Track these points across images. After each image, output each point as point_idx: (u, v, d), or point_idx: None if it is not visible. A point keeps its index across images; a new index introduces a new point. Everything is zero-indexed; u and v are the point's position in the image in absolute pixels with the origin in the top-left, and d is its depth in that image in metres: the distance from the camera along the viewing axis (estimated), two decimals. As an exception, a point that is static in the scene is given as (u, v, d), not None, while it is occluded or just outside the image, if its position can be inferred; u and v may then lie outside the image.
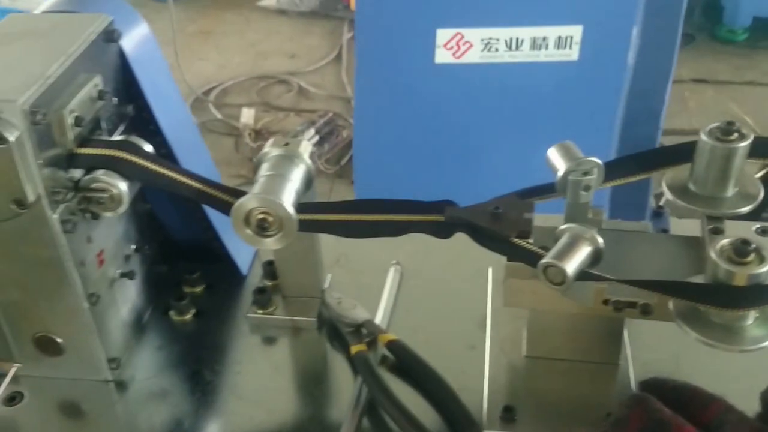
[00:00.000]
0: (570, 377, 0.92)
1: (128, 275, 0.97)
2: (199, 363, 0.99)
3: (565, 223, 0.89)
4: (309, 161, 0.92)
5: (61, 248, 0.84)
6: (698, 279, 0.78)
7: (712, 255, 0.73)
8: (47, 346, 0.92)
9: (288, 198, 0.85)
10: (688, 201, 0.90)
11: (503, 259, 0.89)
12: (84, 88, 0.85)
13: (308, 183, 0.91)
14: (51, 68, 0.80)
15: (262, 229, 0.85)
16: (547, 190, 0.92)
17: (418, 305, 1.05)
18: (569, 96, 2.28)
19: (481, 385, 0.92)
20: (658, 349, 0.95)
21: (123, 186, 0.86)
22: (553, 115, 2.34)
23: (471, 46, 2.25)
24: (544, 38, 2.21)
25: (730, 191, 0.90)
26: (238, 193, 0.88)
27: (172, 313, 1.05)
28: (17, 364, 0.95)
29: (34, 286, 0.87)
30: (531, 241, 0.84)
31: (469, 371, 0.95)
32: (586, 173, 0.88)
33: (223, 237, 1.07)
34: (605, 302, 0.83)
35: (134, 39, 0.97)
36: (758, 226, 1.12)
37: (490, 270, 1.07)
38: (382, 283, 1.08)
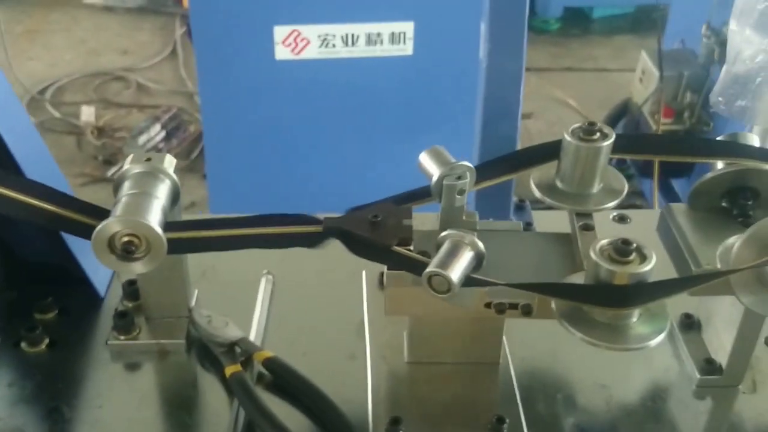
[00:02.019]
0: (454, 380, 0.92)
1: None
2: (56, 398, 0.91)
3: (440, 228, 0.88)
4: (174, 176, 0.86)
5: None
6: (578, 278, 0.79)
7: (592, 255, 0.75)
8: None
9: (155, 218, 0.79)
10: (556, 199, 0.92)
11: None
12: None
13: (175, 199, 0.86)
14: None
15: (128, 252, 0.79)
16: (422, 195, 0.91)
17: (293, 316, 1.02)
18: (407, 89, 2.36)
19: (365, 396, 0.90)
20: (535, 345, 0.97)
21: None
22: (394, 108, 2.41)
23: (309, 42, 2.28)
24: (379, 34, 2.28)
25: (596, 187, 0.92)
26: (99, 213, 0.81)
27: (23, 344, 0.96)
28: None
29: None
30: (411, 247, 0.83)
31: (351, 382, 0.92)
32: (459, 177, 0.88)
33: (77, 256, 0.99)
34: (487, 305, 0.83)
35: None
36: (615, 214, 1.17)
37: (364, 273, 1.05)
38: (253, 296, 1.03)
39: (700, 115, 3.10)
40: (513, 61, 1.66)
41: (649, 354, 0.96)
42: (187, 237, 0.83)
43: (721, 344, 0.93)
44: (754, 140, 0.95)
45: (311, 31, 2.26)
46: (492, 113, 1.73)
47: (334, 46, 2.29)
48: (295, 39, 2.27)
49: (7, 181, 0.80)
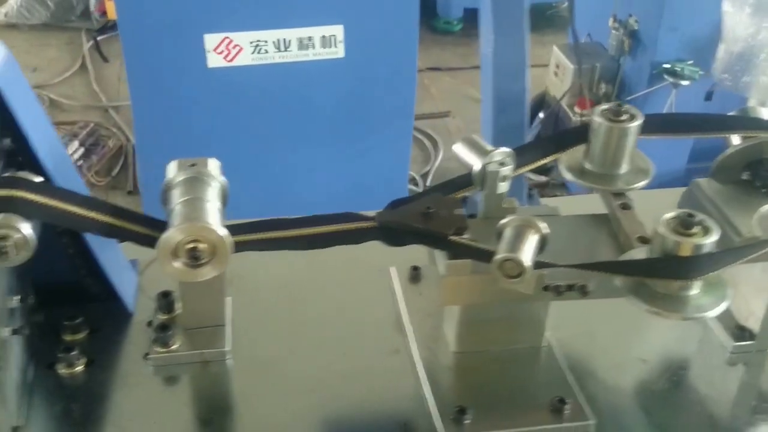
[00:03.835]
0: (504, 366, 0.93)
1: (18, 331, 0.84)
2: (101, 419, 0.88)
3: (483, 215, 0.90)
4: (222, 178, 0.85)
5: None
6: (639, 254, 0.82)
7: (660, 228, 0.77)
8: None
9: (216, 220, 0.78)
10: (588, 180, 0.95)
11: (405, 258, 0.90)
12: None
13: (225, 201, 0.84)
14: None
15: (195, 259, 0.77)
16: (464, 184, 0.92)
17: (324, 318, 1.01)
18: (342, 92, 2.38)
19: (420, 389, 0.90)
20: (569, 327, 0.99)
21: (26, 229, 0.74)
22: (330, 111, 2.42)
23: (241, 49, 2.26)
24: (310, 38, 2.28)
25: (626, 168, 0.95)
26: (155, 224, 0.80)
27: (59, 366, 0.92)
28: None
29: None
30: (467, 236, 0.84)
31: (400, 377, 0.93)
32: (502, 164, 0.89)
33: (108, 272, 0.95)
34: (545, 288, 0.84)
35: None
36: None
37: (393, 270, 1.05)
38: (278, 301, 1.02)
39: (616, 104, 3.22)
40: (516, 52, 1.69)
41: (679, 326, 1.00)
42: (249, 239, 0.81)
43: (750, 311, 0.97)
44: (764, 113, 0.99)
45: (243, 38, 2.24)
46: (502, 104, 1.76)
47: (266, 51, 2.28)
48: (227, 46, 2.25)
49: (65, 197, 0.77)
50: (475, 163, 0.90)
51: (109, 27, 4.47)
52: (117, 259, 1.01)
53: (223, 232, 0.77)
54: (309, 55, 2.31)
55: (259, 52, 2.27)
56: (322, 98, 2.38)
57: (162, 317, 0.97)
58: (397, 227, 0.84)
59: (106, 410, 0.89)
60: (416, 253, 0.93)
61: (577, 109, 3.06)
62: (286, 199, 2.44)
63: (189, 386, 0.93)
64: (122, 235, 0.81)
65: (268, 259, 0.88)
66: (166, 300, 0.97)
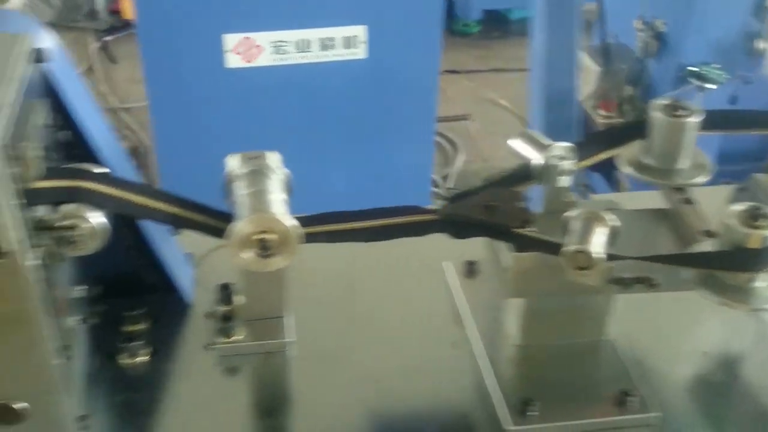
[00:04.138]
0: (567, 359, 0.93)
1: (84, 321, 0.84)
2: (165, 408, 0.88)
3: (545, 209, 0.90)
4: (285, 169, 0.86)
5: (34, 300, 0.71)
6: (707, 247, 0.82)
7: (729, 221, 0.77)
8: (3, 416, 0.77)
9: (283, 211, 0.78)
10: (650, 175, 0.95)
11: (457, 253, 0.91)
12: (33, 116, 0.73)
13: (289, 192, 0.85)
14: (6, 96, 0.67)
15: (264, 249, 0.77)
16: (522, 177, 0.92)
17: (378, 313, 1.01)
18: (363, 92, 2.38)
19: (483, 382, 0.91)
20: (630, 320, 0.99)
21: (98, 218, 0.75)
22: (350, 112, 2.42)
23: (262, 49, 2.26)
24: (332, 39, 2.28)
25: (686, 163, 0.95)
26: (219, 215, 0.80)
27: (122, 357, 0.92)
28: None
29: (-5, 347, 0.73)
30: (534, 229, 0.84)
31: (462, 370, 0.93)
32: (562, 158, 0.89)
33: (165, 263, 0.96)
34: (613, 281, 0.84)
35: (53, 57, 0.83)
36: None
37: (449, 264, 1.06)
38: (335, 293, 1.03)
39: (639, 107, 3.22)
40: (568, 51, 1.70)
41: (736, 318, 0.99)
42: (313, 231, 0.82)
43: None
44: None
45: (264, 38, 2.24)
46: (552, 103, 1.77)
47: (287, 52, 2.29)
48: (247, 46, 2.25)
49: (133, 188, 0.78)
50: (535, 158, 0.90)
51: (117, 27, 4.41)
52: (173, 252, 1.02)
53: (292, 222, 0.77)
54: (330, 55, 2.31)
55: (279, 53, 2.28)
56: (342, 99, 2.38)
57: (222, 309, 0.97)
58: (461, 220, 0.85)
59: (168, 400, 0.90)
60: (467, 247, 0.94)
61: (602, 111, 3.05)
62: (306, 200, 2.43)
63: (251, 377, 0.94)
64: (188, 225, 0.82)
65: (323, 253, 0.88)
66: (225, 292, 0.97)
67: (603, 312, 0.93)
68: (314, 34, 2.26)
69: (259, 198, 0.80)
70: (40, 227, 0.72)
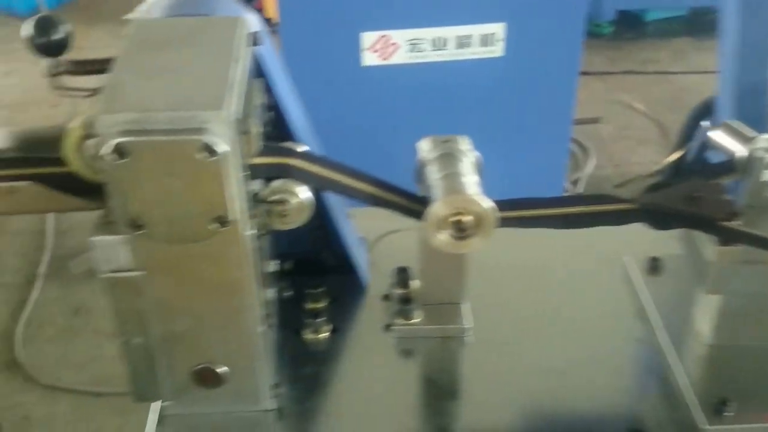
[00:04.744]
0: (763, 360, 0.89)
1: (280, 294, 0.87)
2: (343, 381, 0.89)
3: (747, 202, 0.86)
4: (476, 152, 0.86)
5: (249, 268, 0.73)
6: None
7: None
8: (205, 379, 0.80)
9: (479, 193, 0.78)
10: None
11: (636, 248, 0.90)
12: (254, 95, 0.75)
13: (481, 175, 0.85)
14: (233, 75, 0.70)
15: (460, 230, 0.77)
16: (724, 170, 0.89)
17: (561, 309, 1.00)
18: (499, 91, 2.35)
19: (673, 380, 0.88)
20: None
21: (306, 194, 0.77)
22: (485, 111, 2.38)
23: (398, 47, 2.26)
24: (469, 36, 2.26)
25: None
26: (417, 198, 0.81)
27: (306, 332, 0.94)
28: (163, 402, 0.83)
29: (208, 312, 0.75)
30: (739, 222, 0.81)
31: (649, 366, 0.91)
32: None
33: (345, 245, 0.98)
34: (822, 281, 0.80)
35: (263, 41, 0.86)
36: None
37: (627, 260, 1.03)
38: (514, 283, 1.02)
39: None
40: (763, 41, 1.65)
41: None
42: (509, 216, 0.81)
43: None
44: None
45: (401, 36, 2.25)
46: (744, 94, 1.72)
47: (423, 50, 2.28)
48: (383, 44, 2.26)
49: (334, 167, 0.80)
50: (739, 150, 0.87)
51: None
52: (352, 235, 1.03)
53: (488, 204, 0.77)
54: (466, 53, 2.30)
55: (415, 51, 2.27)
56: (477, 98, 2.36)
57: (399, 291, 0.98)
58: (664, 210, 0.82)
59: (347, 375, 0.91)
60: (644, 243, 0.92)
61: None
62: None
63: (427, 359, 0.94)
64: (386, 205, 0.83)
65: (501, 243, 0.87)
66: (403, 275, 0.98)
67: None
68: (451, 31, 2.25)
69: (454, 180, 0.80)
70: (257, 200, 0.74)
